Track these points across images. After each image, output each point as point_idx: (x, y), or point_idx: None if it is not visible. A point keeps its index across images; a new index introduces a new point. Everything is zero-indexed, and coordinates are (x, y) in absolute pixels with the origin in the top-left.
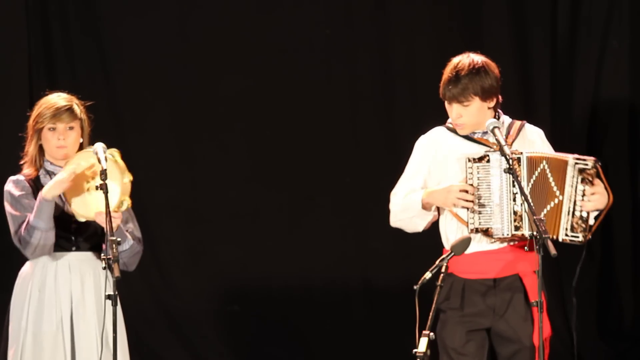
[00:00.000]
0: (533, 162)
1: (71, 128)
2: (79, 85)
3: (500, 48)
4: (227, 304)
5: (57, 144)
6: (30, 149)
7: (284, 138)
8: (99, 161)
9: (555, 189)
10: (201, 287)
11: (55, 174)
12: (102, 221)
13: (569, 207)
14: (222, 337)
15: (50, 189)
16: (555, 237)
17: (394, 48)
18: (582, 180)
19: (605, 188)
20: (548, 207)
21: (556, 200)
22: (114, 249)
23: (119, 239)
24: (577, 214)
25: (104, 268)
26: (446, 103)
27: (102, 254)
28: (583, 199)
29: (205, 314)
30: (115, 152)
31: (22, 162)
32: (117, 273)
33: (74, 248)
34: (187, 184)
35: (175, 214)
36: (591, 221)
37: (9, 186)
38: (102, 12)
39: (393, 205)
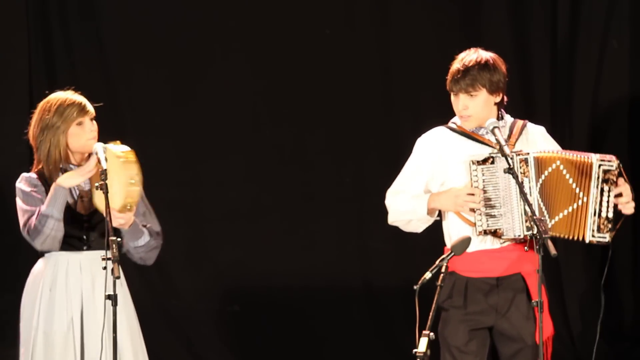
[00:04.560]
0: (543, 162)
1: (92, 119)
2: (79, 85)
3: (500, 48)
4: (227, 304)
5: (89, 137)
6: (58, 149)
7: (284, 138)
8: (99, 161)
9: (577, 190)
10: (201, 287)
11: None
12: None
13: (595, 209)
14: (222, 337)
15: (68, 178)
16: (582, 238)
17: (394, 48)
18: (606, 181)
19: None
20: (570, 208)
21: (580, 202)
22: (114, 249)
23: (119, 239)
24: (603, 214)
25: (104, 268)
26: (452, 95)
27: (102, 255)
28: (609, 199)
29: (205, 314)
30: (128, 152)
31: (37, 168)
32: (117, 273)
33: (85, 247)
34: (187, 184)
35: (175, 214)
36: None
37: (21, 184)
38: (102, 12)
39: (394, 204)
